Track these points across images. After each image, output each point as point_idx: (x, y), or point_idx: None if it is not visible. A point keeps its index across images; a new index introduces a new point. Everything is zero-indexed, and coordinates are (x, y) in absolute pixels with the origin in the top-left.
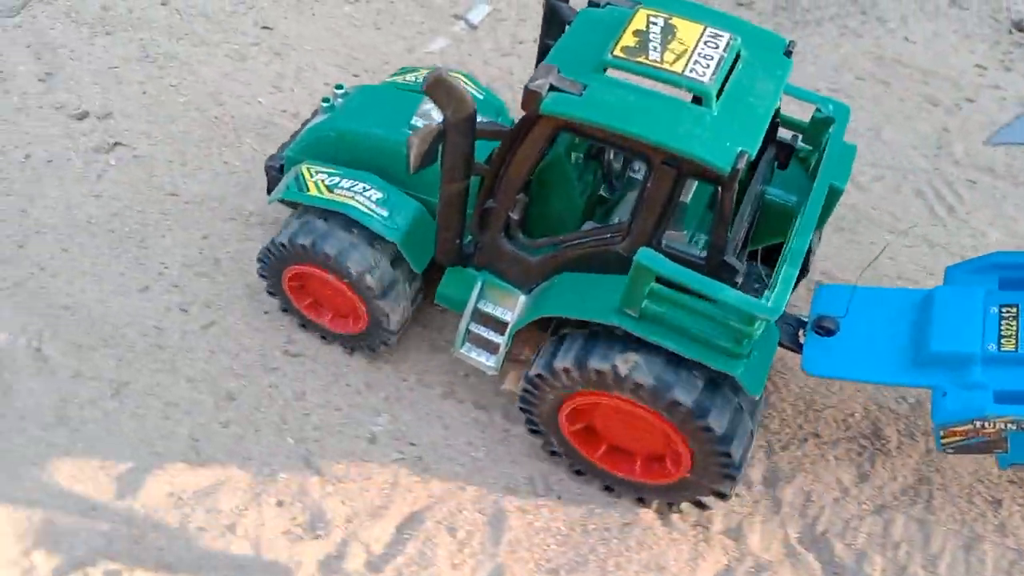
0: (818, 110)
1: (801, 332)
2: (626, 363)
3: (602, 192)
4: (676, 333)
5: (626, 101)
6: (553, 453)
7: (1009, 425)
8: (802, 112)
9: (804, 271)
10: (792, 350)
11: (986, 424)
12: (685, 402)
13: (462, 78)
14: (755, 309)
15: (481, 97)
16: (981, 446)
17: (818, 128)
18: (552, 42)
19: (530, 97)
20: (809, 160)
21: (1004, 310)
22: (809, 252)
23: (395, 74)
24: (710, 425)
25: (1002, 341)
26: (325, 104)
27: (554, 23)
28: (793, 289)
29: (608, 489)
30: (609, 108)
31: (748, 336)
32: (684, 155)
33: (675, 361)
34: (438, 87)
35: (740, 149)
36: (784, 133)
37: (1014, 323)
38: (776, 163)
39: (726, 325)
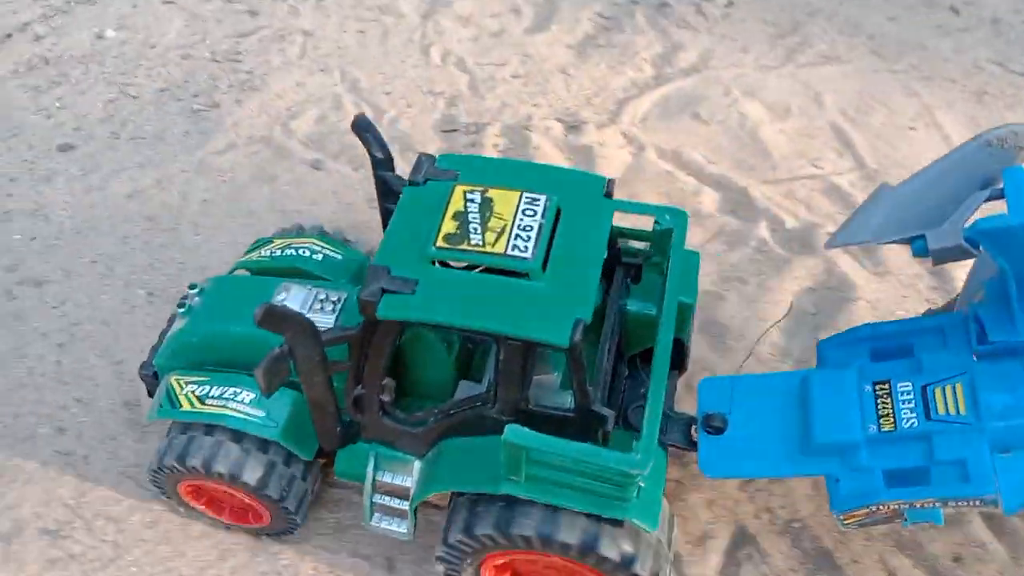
0: (657, 221)
1: (693, 429)
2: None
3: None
4: (563, 489)
5: (457, 293)
6: None
7: (903, 505)
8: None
9: (683, 368)
10: (688, 450)
11: (881, 507)
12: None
13: (315, 241)
14: (625, 466)
15: (339, 257)
16: (882, 521)
17: (661, 238)
18: (390, 207)
19: (365, 305)
20: (661, 266)
21: (878, 387)
22: (684, 349)
23: (248, 250)
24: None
25: (881, 421)
26: (181, 310)
27: (388, 192)
28: (675, 390)
29: None
30: (441, 304)
31: (630, 484)
32: (521, 339)
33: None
34: (269, 320)
35: (576, 319)
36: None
37: (888, 400)
38: (629, 280)
39: (606, 478)
